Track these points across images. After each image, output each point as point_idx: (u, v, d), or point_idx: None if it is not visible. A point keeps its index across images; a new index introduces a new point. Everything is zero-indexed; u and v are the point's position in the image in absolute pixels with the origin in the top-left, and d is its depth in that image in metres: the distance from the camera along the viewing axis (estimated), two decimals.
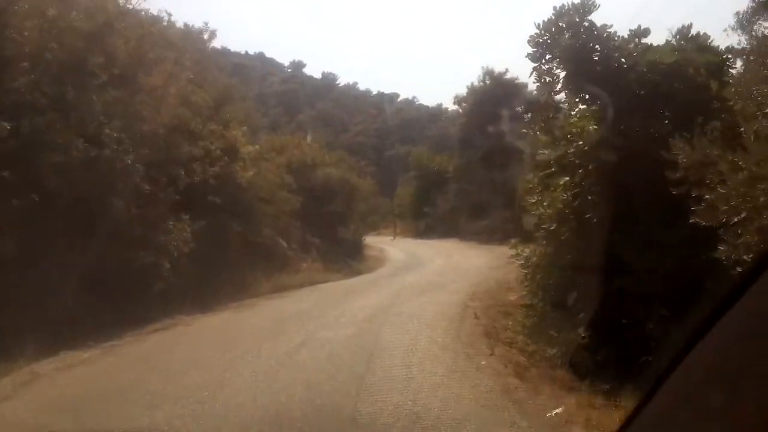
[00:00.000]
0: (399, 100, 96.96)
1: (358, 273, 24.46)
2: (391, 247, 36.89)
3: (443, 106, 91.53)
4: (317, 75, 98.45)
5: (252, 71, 77.76)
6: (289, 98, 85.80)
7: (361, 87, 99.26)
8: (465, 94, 46.06)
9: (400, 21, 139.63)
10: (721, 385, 1.24)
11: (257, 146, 19.42)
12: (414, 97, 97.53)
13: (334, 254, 26.61)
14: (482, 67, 44.84)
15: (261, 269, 18.64)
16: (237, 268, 17.38)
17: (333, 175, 27.92)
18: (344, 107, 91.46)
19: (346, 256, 27.86)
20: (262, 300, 16.04)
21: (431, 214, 49.48)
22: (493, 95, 43.05)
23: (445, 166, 47.36)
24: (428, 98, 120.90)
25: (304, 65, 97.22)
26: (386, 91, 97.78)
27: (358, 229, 31.45)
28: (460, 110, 46.62)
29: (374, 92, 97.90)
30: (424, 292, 15.85)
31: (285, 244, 21.27)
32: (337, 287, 18.90)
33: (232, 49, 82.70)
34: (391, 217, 52.70)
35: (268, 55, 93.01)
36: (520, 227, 35.91)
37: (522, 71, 44.85)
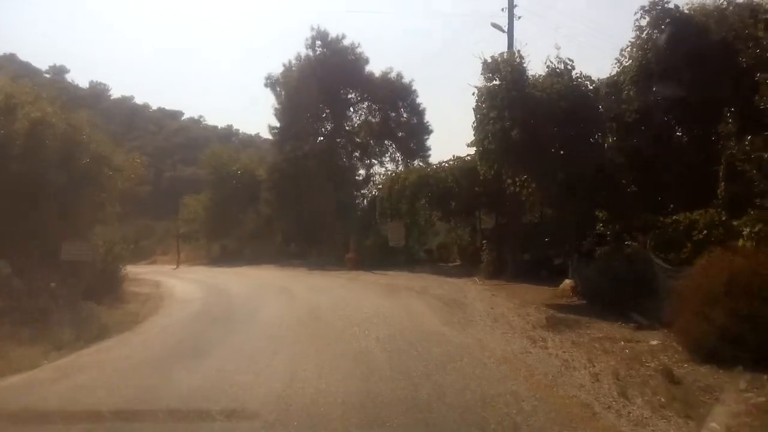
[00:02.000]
0: (183, 118, 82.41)
1: (102, 334, 9.86)
2: (175, 279, 22.11)
3: (234, 128, 79.97)
4: (84, 84, 78.61)
5: None
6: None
7: (139, 101, 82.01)
8: (283, 71, 33.00)
9: (185, 37, 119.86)
10: None
11: None
12: (201, 117, 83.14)
13: (48, 294, 11.72)
14: (312, 28, 31.77)
15: None
16: None
17: (53, 126, 12.95)
18: (115, 121, 73.96)
19: (83, 297, 13.00)
20: None
21: (234, 233, 35.29)
22: (328, 68, 30.74)
23: (253, 168, 33.60)
24: (218, 119, 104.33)
25: (67, 71, 77.38)
26: (168, 108, 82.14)
27: (113, 246, 16.29)
28: (276, 95, 33.26)
29: (154, 107, 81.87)
30: None
31: None
32: None
33: None
34: (174, 239, 37.19)
35: (22, 57, 70.63)
36: (378, 245, 23.40)
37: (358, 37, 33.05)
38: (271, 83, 33.39)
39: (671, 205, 10.70)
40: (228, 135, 79.38)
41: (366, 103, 33.44)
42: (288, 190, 29.83)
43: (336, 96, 32.84)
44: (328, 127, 34.12)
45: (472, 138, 11.81)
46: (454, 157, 20.33)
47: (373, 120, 34.23)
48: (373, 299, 12.31)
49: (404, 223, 22.36)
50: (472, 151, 18.17)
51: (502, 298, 11.14)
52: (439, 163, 22.03)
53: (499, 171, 11.39)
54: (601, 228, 11.58)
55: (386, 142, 34.57)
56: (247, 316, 11.03)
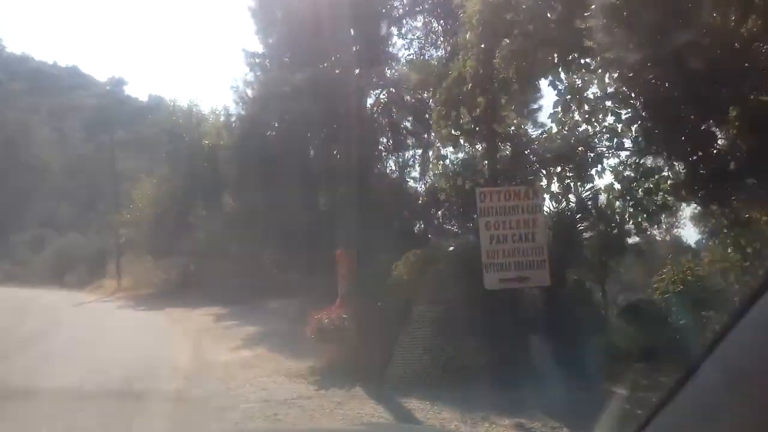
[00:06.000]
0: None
1: None
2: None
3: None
4: (143, 97, 72.59)
5: (56, 80, 63.56)
6: (101, 116, 57.74)
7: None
8: None
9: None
10: (740, 393, 1.06)
11: None
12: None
13: None
14: None
15: None
16: None
17: None
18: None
19: None
20: None
21: (195, 241, 20.33)
22: None
23: (212, 131, 18.54)
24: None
25: (125, 83, 68.54)
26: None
27: None
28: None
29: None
30: None
31: None
32: None
33: (35, 57, 63.01)
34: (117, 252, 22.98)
35: (84, 70, 66.14)
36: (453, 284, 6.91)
37: None
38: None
39: None
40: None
41: (420, 18, 17.66)
42: (258, 170, 14.54)
43: (369, 16, 17.18)
44: (356, 71, 18.52)
45: None
46: None
47: (435, 53, 18.20)
48: None
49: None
50: None
51: None
52: None
53: None
54: None
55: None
56: None
